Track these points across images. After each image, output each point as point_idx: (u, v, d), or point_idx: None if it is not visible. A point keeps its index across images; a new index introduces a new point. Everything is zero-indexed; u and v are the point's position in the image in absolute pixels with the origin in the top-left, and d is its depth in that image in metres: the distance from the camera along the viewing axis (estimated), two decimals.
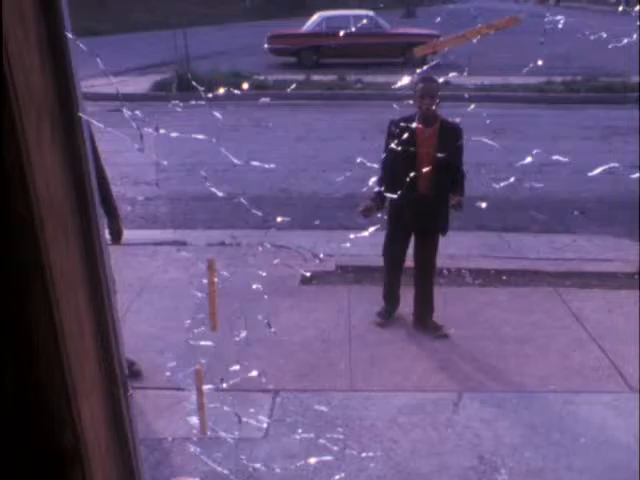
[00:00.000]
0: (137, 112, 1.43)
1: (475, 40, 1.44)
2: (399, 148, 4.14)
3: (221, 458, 3.33)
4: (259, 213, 2.63)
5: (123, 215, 4.19)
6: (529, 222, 7.26)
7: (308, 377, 4.30)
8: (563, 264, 6.09)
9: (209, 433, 3.44)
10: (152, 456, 3.48)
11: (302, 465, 3.36)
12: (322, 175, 8.73)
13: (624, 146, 9.92)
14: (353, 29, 16.10)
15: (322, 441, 3.46)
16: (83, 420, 1.07)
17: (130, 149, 1.48)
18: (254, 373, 2.78)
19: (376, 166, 4.06)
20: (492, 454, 3.56)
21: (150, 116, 1.54)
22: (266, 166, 2.39)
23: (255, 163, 2.29)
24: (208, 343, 1.98)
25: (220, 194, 1.97)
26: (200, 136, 1.77)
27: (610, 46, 2.16)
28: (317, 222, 6.62)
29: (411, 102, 4.37)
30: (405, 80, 3.75)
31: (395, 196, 3.80)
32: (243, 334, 3.51)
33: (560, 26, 1.84)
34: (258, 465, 3.39)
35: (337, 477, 3.33)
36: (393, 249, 4.86)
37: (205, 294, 1.48)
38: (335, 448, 3.48)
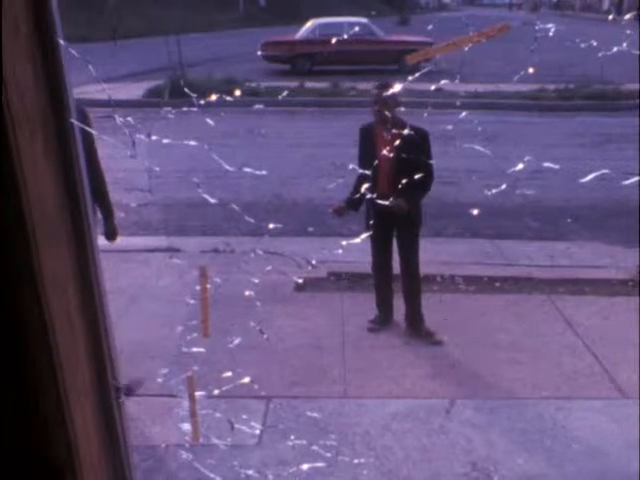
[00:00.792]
0: (129, 119, 1.43)
1: (467, 48, 1.45)
2: (363, 153, 4.60)
3: (214, 465, 3.31)
4: (252, 220, 2.63)
5: (116, 222, 4.17)
6: (522, 229, 7.28)
7: (301, 384, 4.29)
8: (556, 271, 6.10)
9: (202, 440, 3.44)
10: (145, 463, 3.47)
11: (295, 472, 3.35)
12: (315, 182, 8.73)
13: (617, 153, 9.98)
14: (346, 36, 16.13)
15: (315, 448, 3.45)
16: (75, 429, 1.06)
17: (123, 155, 1.48)
18: (247, 380, 2.77)
19: (368, 173, 4.20)
20: (485, 461, 3.56)
21: (143, 123, 1.54)
22: (259, 173, 2.39)
23: (248, 169, 2.29)
24: (201, 350, 1.98)
25: (213, 201, 1.97)
26: (193, 142, 1.77)
27: (600, 54, 2.17)
28: (310, 229, 6.62)
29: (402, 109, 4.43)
30: (397, 87, 3.79)
31: (358, 195, 4.27)
32: (236, 341, 3.50)
33: (551, 34, 1.85)
34: (251, 472, 3.38)
35: None
36: (377, 255, 4.91)
37: (198, 301, 1.48)
38: (328, 455, 3.47)
